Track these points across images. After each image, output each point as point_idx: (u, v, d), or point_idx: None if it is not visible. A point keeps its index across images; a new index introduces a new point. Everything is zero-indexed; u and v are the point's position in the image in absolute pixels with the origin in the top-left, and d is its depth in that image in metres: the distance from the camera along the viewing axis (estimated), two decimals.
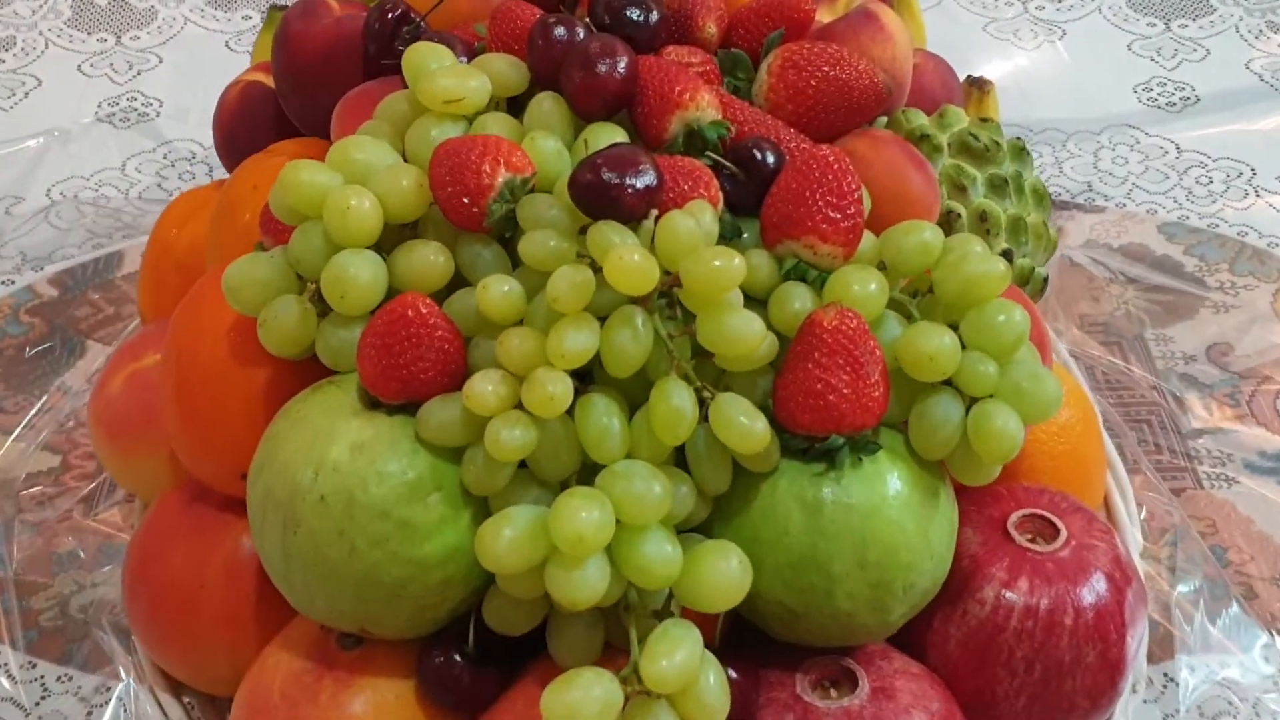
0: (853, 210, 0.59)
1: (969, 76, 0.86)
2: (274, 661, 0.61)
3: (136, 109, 1.26)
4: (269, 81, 0.79)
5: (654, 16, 0.67)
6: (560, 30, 0.64)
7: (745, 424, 0.55)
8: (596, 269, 0.56)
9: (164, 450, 0.71)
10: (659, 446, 0.56)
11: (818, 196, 0.59)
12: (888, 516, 0.57)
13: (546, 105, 0.63)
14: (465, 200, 0.58)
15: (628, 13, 0.66)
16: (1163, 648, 0.79)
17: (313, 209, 0.60)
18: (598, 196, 0.57)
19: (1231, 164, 1.20)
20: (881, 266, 0.61)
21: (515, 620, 0.58)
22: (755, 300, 0.59)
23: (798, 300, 0.58)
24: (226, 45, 1.33)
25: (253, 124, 0.78)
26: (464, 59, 0.68)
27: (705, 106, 0.63)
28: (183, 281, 0.79)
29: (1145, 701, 0.76)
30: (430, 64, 0.64)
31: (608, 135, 0.62)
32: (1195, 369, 1.02)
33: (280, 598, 0.61)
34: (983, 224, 0.72)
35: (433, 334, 0.56)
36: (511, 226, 0.59)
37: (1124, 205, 1.17)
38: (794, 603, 0.58)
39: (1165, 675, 0.78)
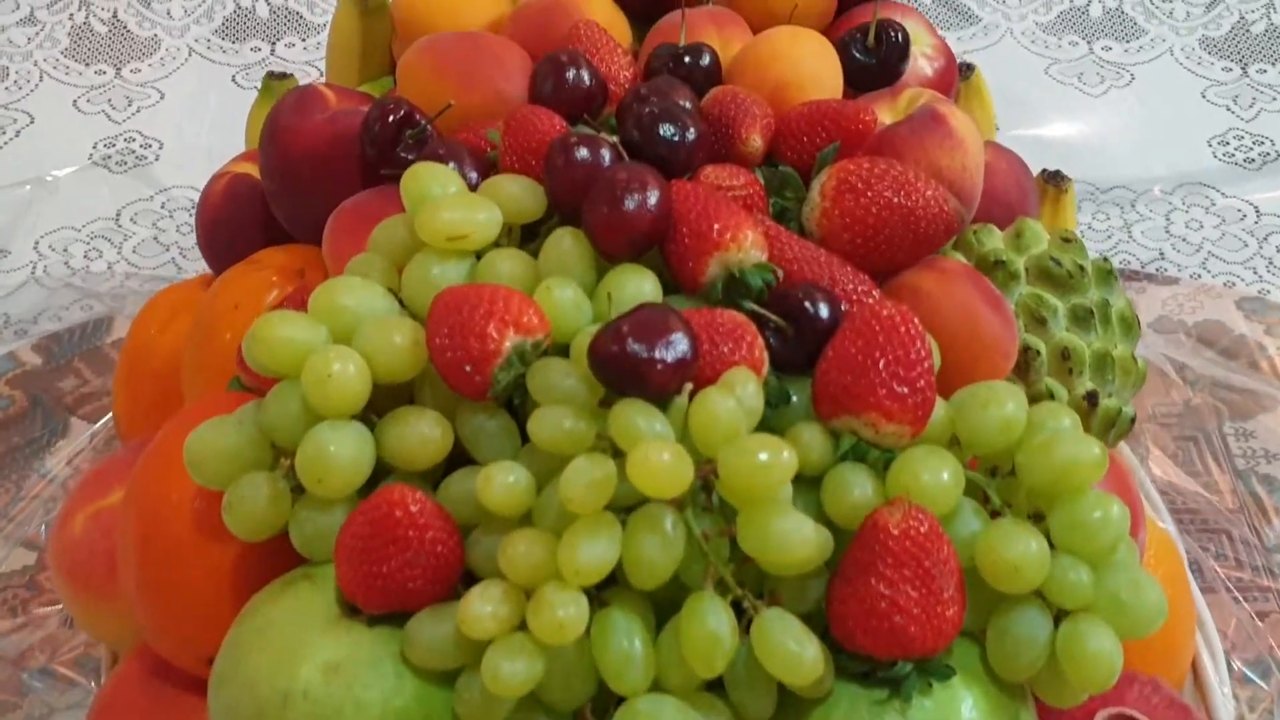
0: (922, 384, 0.50)
1: (1044, 172, 0.76)
2: None
3: (134, 150, 1.17)
4: (255, 173, 0.70)
5: (691, 135, 0.57)
6: (583, 152, 0.55)
7: (794, 650, 0.47)
8: (619, 453, 0.47)
9: (128, 604, 0.63)
10: (690, 675, 0.47)
11: (881, 366, 0.50)
12: None
13: (566, 244, 0.54)
14: (467, 369, 0.49)
15: (661, 130, 0.57)
16: None
17: (291, 368, 0.51)
18: (623, 371, 0.48)
19: None
20: (954, 441, 0.52)
21: None
22: (806, 479, 0.51)
23: (857, 488, 0.49)
24: (233, 80, 1.25)
25: (238, 223, 0.69)
26: (473, 174, 0.59)
27: (749, 247, 0.54)
28: (160, 393, 0.72)
29: None
30: (433, 189, 0.55)
31: (635, 281, 0.53)
32: (1278, 470, 0.92)
33: None
34: (1065, 362, 0.63)
35: (423, 536, 0.48)
36: (521, 393, 0.51)
37: (1199, 276, 1.08)
38: None
39: None
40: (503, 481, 0.48)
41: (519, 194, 0.56)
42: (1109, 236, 1.11)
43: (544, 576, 0.46)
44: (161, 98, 1.22)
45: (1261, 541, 0.88)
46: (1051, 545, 0.50)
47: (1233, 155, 1.19)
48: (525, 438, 0.51)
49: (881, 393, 0.50)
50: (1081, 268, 0.64)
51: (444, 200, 0.54)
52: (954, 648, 0.51)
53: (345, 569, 0.48)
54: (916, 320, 0.51)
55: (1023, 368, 0.63)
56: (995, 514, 0.51)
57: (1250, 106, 1.24)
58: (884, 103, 0.67)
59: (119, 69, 1.25)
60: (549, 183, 0.56)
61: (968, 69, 0.78)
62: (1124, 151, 1.18)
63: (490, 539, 0.49)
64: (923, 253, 0.59)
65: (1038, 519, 0.51)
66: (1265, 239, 1.10)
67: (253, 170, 0.71)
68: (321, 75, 1.21)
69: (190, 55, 1.26)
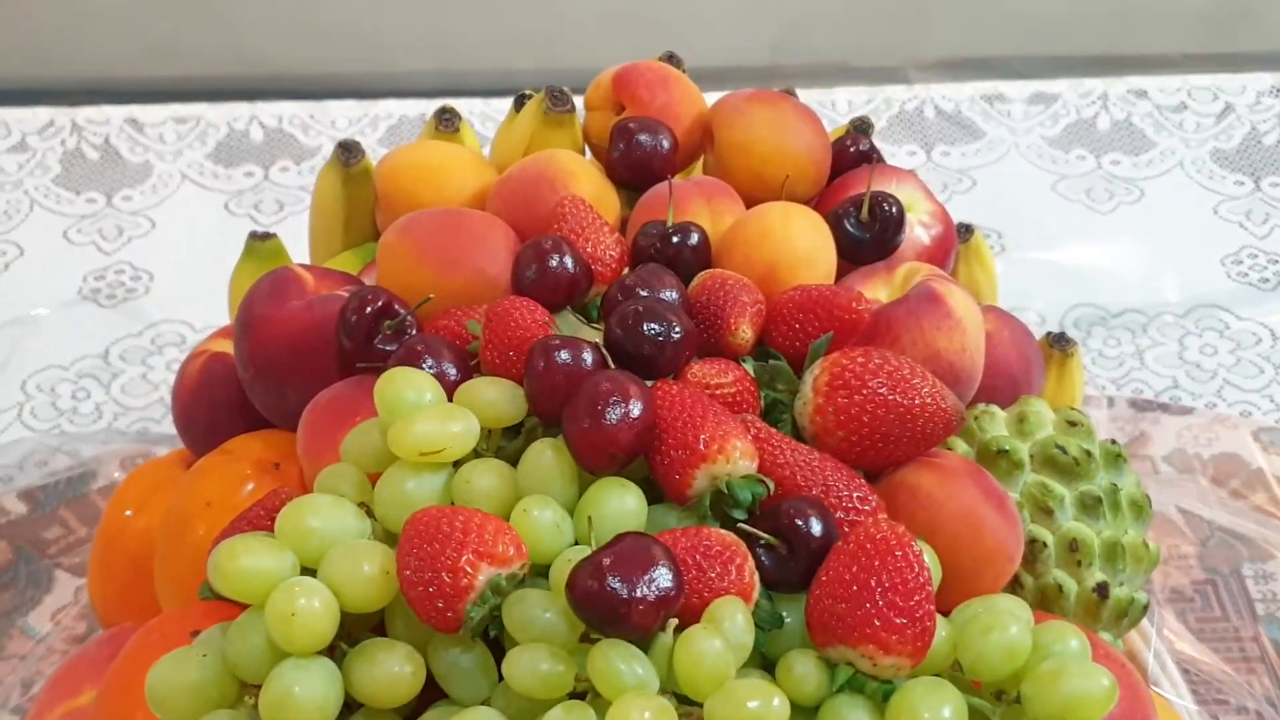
0: (921, 613, 0.47)
1: (1049, 335, 0.74)
2: None
3: (124, 283, 1.16)
4: (232, 353, 0.68)
5: (677, 333, 0.55)
6: (564, 355, 0.53)
7: None
8: (598, 695, 0.44)
9: None
10: None
11: (878, 595, 0.47)
12: None
13: (546, 459, 0.51)
14: (440, 605, 0.47)
15: (646, 329, 0.55)
16: None
17: (256, 598, 0.48)
18: (603, 611, 0.45)
19: None
20: (956, 665, 0.50)
21: None
22: (802, 710, 0.48)
23: None
24: (225, 207, 1.23)
25: (214, 406, 0.67)
26: (453, 370, 0.56)
27: (737, 458, 0.51)
28: (135, 577, 0.69)
29: None
30: (407, 397, 0.53)
31: (618, 498, 0.50)
32: None
33: None
34: (1073, 553, 0.60)
35: None
36: (498, 624, 0.48)
37: (1214, 405, 1.05)
38: None
39: None
40: None
41: (497, 399, 0.54)
42: (1121, 364, 1.08)
43: None
44: (153, 226, 1.21)
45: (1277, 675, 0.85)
46: None
47: (1246, 275, 1.16)
48: (495, 676, 0.49)
49: (878, 624, 0.47)
50: (1089, 453, 0.62)
51: (418, 411, 0.52)
52: None
53: None
54: (914, 544, 0.48)
55: (1029, 560, 0.60)
56: None
57: (1264, 223, 1.21)
58: (879, 278, 0.65)
59: (110, 197, 1.23)
60: (530, 386, 0.54)
61: (966, 231, 0.75)
62: (1134, 272, 1.15)
63: None
64: (920, 451, 0.56)
65: None
66: None
67: (226, 348, 0.69)
68: None
69: (183, 181, 1.24)
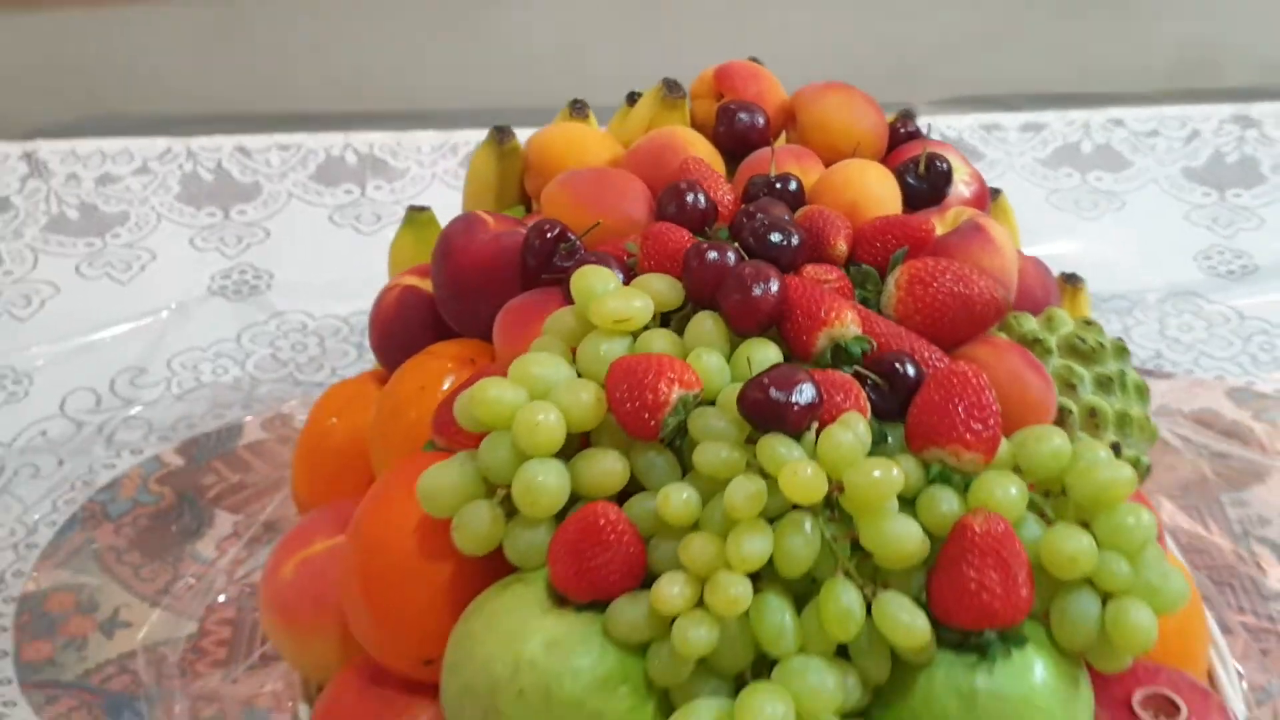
0: (992, 422, 0.65)
1: (1062, 274, 0.93)
2: None
3: (248, 281, 1.33)
4: (422, 285, 0.85)
5: (795, 240, 0.73)
6: (713, 255, 0.71)
7: (908, 621, 0.61)
8: (766, 476, 0.62)
9: (335, 634, 0.77)
10: (827, 641, 0.61)
11: (960, 410, 0.65)
12: (1037, 705, 0.62)
13: (707, 324, 0.69)
14: (645, 415, 0.64)
15: (771, 238, 0.73)
16: None
17: (500, 422, 0.66)
18: (767, 413, 0.63)
19: None
20: (1016, 469, 0.67)
21: None
22: (903, 499, 0.65)
23: (945, 504, 0.64)
24: (329, 219, 1.41)
25: (409, 327, 0.84)
26: (619, 274, 0.74)
27: (849, 323, 0.69)
28: (340, 467, 0.85)
29: None
30: (597, 286, 0.70)
31: (762, 351, 0.68)
32: (1271, 531, 1.07)
33: None
34: (1092, 419, 0.78)
35: (620, 539, 0.62)
36: (682, 436, 0.65)
37: (1192, 372, 1.23)
38: None
39: None
40: (678, 498, 0.62)
41: (664, 288, 0.72)
42: None
43: (716, 566, 0.61)
44: (267, 235, 1.38)
45: (1259, 590, 1.02)
46: (1097, 545, 0.64)
47: (1215, 268, 1.35)
48: (683, 471, 0.66)
49: (962, 429, 0.65)
50: (1101, 344, 0.80)
51: (609, 293, 0.70)
52: (1025, 626, 0.65)
53: (559, 567, 0.63)
54: (983, 376, 0.66)
55: (1058, 424, 0.78)
56: (1050, 524, 0.66)
57: (1229, 226, 1.41)
58: (934, 218, 0.83)
59: (227, 211, 1.41)
60: (686, 279, 0.71)
61: (995, 192, 0.94)
62: (1120, 266, 1.34)
63: (667, 543, 0.63)
64: (978, 331, 0.74)
65: (1084, 526, 0.65)
66: (1249, 338, 1.26)
67: (416, 282, 0.86)
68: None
69: (289, 199, 1.42)
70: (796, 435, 0.63)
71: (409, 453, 0.75)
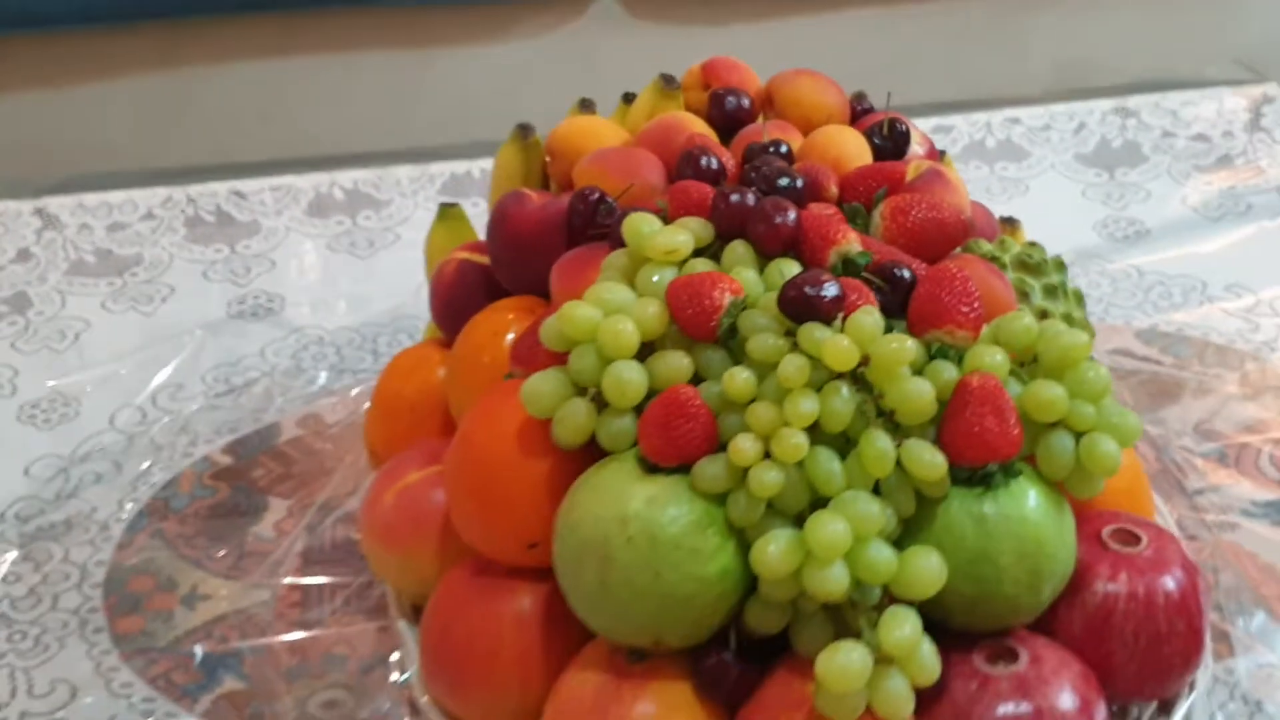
0: (977, 305, 0.82)
1: (1001, 217, 1.11)
2: (578, 680, 0.81)
3: (263, 304, 1.46)
4: (475, 258, 1.01)
5: (800, 182, 0.90)
6: (736, 197, 0.87)
7: (929, 458, 0.77)
8: (808, 357, 0.78)
9: (433, 548, 0.91)
10: (867, 480, 0.77)
11: (952, 298, 0.82)
12: (1034, 520, 0.79)
13: (740, 250, 0.85)
14: (704, 318, 0.80)
15: (780, 182, 0.90)
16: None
17: (585, 335, 0.81)
18: (804, 306, 0.79)
19: (1186, 280, 1.46)
20: (996, 343, 0.84)
21: (770, 621, 0.78)
22: (913, 371, 0.81)
23: (946, 371, 0.80)
24: (327, 246, 1.55)
25: (469, 292, 0.99)
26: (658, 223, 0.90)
27: (853, 242, 0.86)
28: (414, 421, 1.00)
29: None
30: (644, 228, 0.86)
31: (789, 266, 0.84)
32: (1187, 441, 1.25)
33: (561, 641, 0.83)
34: (1044, 320, 0.95)
35: (700, 411, 0.78)
36: (732, 334, 0.81)
37: (1104, 319, 1.42)
38: (972, 592, 0.78)
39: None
40: (741, 377, 0.78)
41: (698, 227, 0.87)
42: None
43: (776, 426, 0.76)
44: (273, 265, 1.52)
45: (1183, 489, 1.20)
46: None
47: (1114, 235, 1.55)
48: (734, 363, 0.82)
49: (954, 313, 0.81)
50: (1045, 260, 0.97)
51: (657, 231, 0.86)
52: (1016, 464, 0.81)
53: (650, 441, 0.78)
54: (965, 271, 0.83)
55: None
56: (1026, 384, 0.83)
57: (1120, 200, 1.61)
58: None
59: (232, 246, 1.54)
60: (715, 218, 0.87)
61: (942, 153, 1.12)
62: (1030, 237, 1.53)
63: (732, 416, 0.78)
64: (950, 248, 0.91)
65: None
66: (1149, 289, 1.46)
67: (468, 256, 1.02)
68: (398, 239, 1.54)
69: (288, 233, 1.56)
70: (828, 322, 0.79)
71: (490, 385, 0.90)
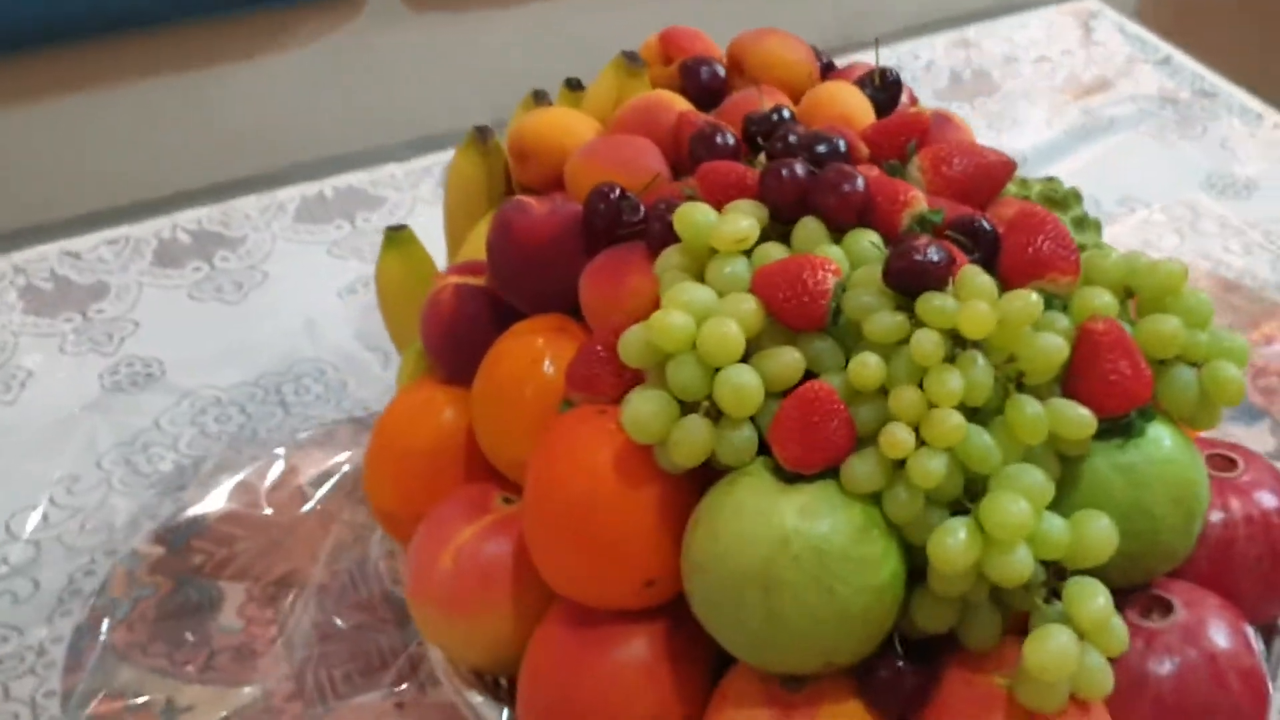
0: (1074, 246, 0.78)
1: None
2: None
3: (139, 372, 1.32)
4: (470, 281, 0.90)
5: (842, 145, 0.84)
6: (785, 171, 0.80)
7: (1077, 415, 0.72)
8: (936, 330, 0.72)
9: (506, 608, 0.81)
10: (1016, 451, 0.72)
11: (1052, 245, 0.77)
12: (1178, 461, 0.75)
13: (811, 226, 0.78)
14: (811, 305, 0.73)
15: (818, 149, 0.83)
16: None
17: (679, 345, 0.73)
18: (917, 276, 0.72)
19: None
20: (1092, 283, 0.80)
21: (943, 618, 0.72)
22: None
23: (1059, 322, 0.76)
24: (189, 296, 1.41)
25: (474, 320, 0.88)
26: None
27: (920, 201, 0.80)
28: (435, 468, 0.89)
29: None
30: (700, 219, 0.78)
31: (869, 235, 0.78)
32: None
33: (694, 679, 0.76)
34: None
35: (840, 408, 0.71)
36: (837, 319, 0.74)
37: None
38: (1131, 548, 0.74)
39: None
40: (871, 362, 0.71)
41: (752, 210, 0.80)
42: None
43: (921, 410, 0.70)
44: (136, 326, 1.37)
45: None
46: None
47: None
48: (844, 350, 0.75)
49: (1058, 259, 0.77)
50: (1067, 194, 0.94)
51: (718, 220, 0.78)
52: (1148, 408, 0.77)
53: (790, 448, 0.70)
54: (1050, 212, 0.79)
55: None
56: (1132, 321, 0.79)
57: (991, 130, 1.61)
58: None
59: (84, 313, 1.38)
60: (766, 197, 0.80)
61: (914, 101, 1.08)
62: None
63: (864, 407, 0.72)
64: (995, 191, 0.87)
65: None
66: None
67: (464, 280, 0.91)
68: (265, 277, 1.41)
69: (142, 288, 1.41)
70: (940, 289, 0.73)
71: (543, 419, 0.81)
